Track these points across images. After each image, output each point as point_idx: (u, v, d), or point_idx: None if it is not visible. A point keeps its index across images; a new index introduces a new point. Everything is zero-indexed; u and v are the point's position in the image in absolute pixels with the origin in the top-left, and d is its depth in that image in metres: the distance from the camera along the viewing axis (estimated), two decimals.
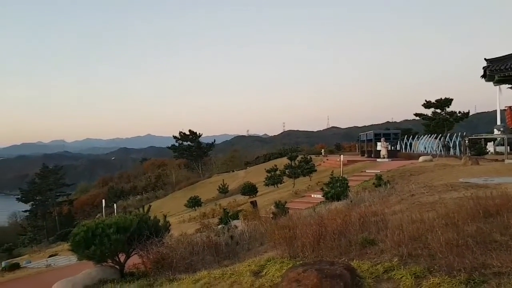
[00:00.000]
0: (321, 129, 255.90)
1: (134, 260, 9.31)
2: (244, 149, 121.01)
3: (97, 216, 53.49)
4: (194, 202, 38.27)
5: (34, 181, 68.56)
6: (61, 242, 41.98)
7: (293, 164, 34.74)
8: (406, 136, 47.05)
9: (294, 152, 43.14)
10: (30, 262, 24.00)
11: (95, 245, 8.45)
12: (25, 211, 68.22)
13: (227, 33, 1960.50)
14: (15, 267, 21.31)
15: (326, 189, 16.88)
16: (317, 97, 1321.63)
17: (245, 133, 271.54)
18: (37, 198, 64.89)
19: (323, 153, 57.28)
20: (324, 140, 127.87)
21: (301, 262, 5.44)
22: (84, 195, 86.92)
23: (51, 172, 67.99)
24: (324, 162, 43.57)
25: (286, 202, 19.01)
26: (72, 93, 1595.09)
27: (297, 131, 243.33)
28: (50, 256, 24.79)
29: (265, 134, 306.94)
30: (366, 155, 40.29)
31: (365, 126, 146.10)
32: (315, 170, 34.71)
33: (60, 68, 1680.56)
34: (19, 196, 68.85)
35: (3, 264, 23.84)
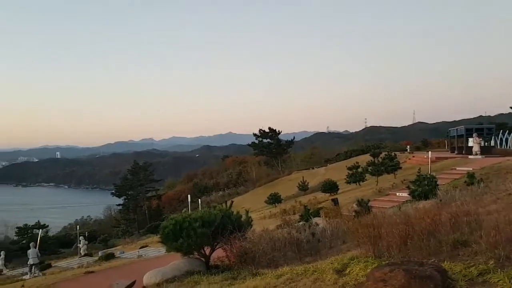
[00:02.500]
0: (406, 125, 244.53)
1: (219, 253, 9.63)
2: (324, 146, 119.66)
3: (183, 211, 56.10)
4: (274, 199, 38.59)
5: (126, 177, 73.21)
6: (150, 235, 44.47)
7: (376, 161, 33.65)
8: (501, 131, 43.40)
9: (377, 148, 41.77)
10: (124, 253, 25.74)
11: (182, 238, 8.88)
12: (119, 205, 73.20)
13: (316, 28, 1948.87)
14: (110, 257, 22.98)
15: (413, 187, 16.18)
16: (401, 91, 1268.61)
17: (325, 130, 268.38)
18: (129, 192, 69.32)
19: (408, 150, 54.75)
20: (410, 136, 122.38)
21: (387, 261, 5.26)
22: (171, 190, 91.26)
23: (141, 168, 72.20)
24: (409, 159, 41.71)
25: (369, 200, 18.49)
26: (159, 93, 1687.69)
27: (380, 126, 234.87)
28: (141, 248, 26.39)
29: (346, 130, 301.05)
30: (456, 151, 37.84)
31: (455, 121, 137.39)
32: (400, 168, 33.33)
33: (147, 70, 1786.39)
34: (113, 191, 74.06)
35: (100, 253, 25.86)
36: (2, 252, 32.58)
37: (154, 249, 24.37)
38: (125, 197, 69.82)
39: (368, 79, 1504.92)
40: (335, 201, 19.92)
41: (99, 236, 51.97)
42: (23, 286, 13.12)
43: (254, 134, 76.96)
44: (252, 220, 10.22)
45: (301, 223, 14.11)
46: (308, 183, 44.82)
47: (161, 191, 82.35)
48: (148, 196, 71.71)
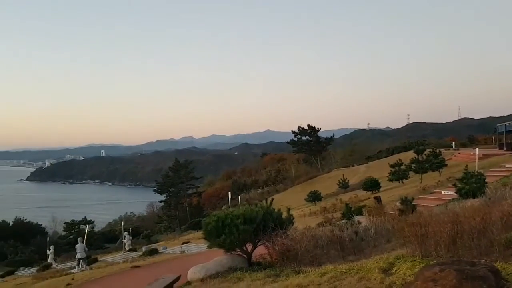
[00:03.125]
0: (451, 121, 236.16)
1: (260, 251, 9.66)
2: (365, 143, 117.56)
3: (222, 208, 56.73)
4: (314, 197, 38.33)
5: (168, 174, 74.80)
6: (191, 231, 45.27)
7: (420, 158, 32.73)
8: None
9: (421, 145, 40.64)
10: (166, 248, 26.32)
11: (225, 234, 8.97)
12: (161, 201, 74.96)
13: (359, 23, 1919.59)
14: (154, 252, 23.56)
15: (460, 185, 15.64)
16: (446, 86, 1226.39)
17: (365, 126, 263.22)
18: (171, 190, 70.81)
19: (453, 147, 52.95)
20: (454, 133, 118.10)
21: (435, 261, 5.11)
22: (211, 187, 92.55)
23: (182, 166, 73.58)
24: (455, 156, 40.36)
25: (413, 199, 18.03)
26: (198, 92, 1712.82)
27: (423, 123, 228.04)
28: (183, 244, 26.90)
29: (387, 127, 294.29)
30: (505, 148, 36.22)
31: (503, 116, 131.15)
32: (445, 165, 32.31)
33: (187, 69, 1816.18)
34: (155, 188, 75.90)
35: (143, 249, 26.56)
36: (52, 247, 34.05)
37: (196, 245, 24.77)
38: (166, 194, 71.35)
39: (411, 74, 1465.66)
40: (378, 199, 19.53)
41: (142, 232, 53.38)
42: (73, 279, 13.67)
43: (293, 132, 76.69)
44: (293, 218, 10.19)
45: (343, 221, 13.94)
46: (348, 180, 44.26)
47: (201, 188, 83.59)
48: (189, 193, 72.97)
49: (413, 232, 6.63)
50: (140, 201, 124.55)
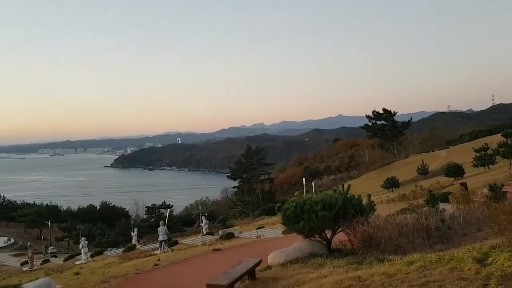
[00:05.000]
0: None
1: (340, 237, 9.48)
2: (445, 127, 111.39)
3: (295, 194, 56.77)
4: (391, 183, 37.01)
5: (240, 160, 76.16)
6: (265, 216, 45.83)
7: (509, 142, 30.31)
8: None
9: (509, 128, 37.63)
10: (242, 233, 26.79)
11: (304, 220, 8.90)
12: (234, 187, 76.70)
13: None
14: (230, 236, 24.06)
15: None
16: None
17: (445, 109, 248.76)
18: (243, 176, 72.11)
19: None
20: None
21: None
22: (282, 174, 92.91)
23: (254, 152, 74.52)
24: None
25: (502, 185, 16.70)
26: (269, 79, 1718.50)
27: (510, 104, 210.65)
28: (258, 228, 27.23)
29: (470, 109, 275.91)
30: None
31: None
32: None
33: (258, 57, 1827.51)
34: (228, 174, 77.72)
35: (220, 232, 27.26)
36: (135, 229, 36.05)
37: (270, 230, 24.96)
38: (239, 180, 72.75)
39: (496, 52, 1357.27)
40: (464, 186, 18.33)
41: (218, 216, 55.03)
42: (159, 260, 14.39)
43: (367, 116, 74.40)
44: (375, 205, 9.86)
45: (425, 208, 13.27)
46: (428, 166, 42.21)
47: (272, 174, 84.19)
48: (261, 179, 73.80)
49: (510, 221, 6.14)
50: (214, 187, 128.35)
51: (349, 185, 11.79)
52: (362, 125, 77.90)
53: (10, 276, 27.59)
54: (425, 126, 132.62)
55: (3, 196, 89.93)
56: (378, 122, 74.16)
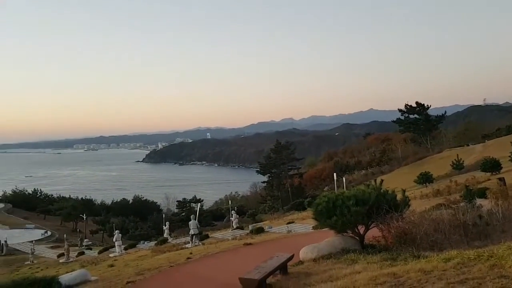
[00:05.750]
0: None
1: (373, 233, 9.33)
2: (480, 120, 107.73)
3: (325, 189, 56.34)
4: (425, 178, 36.13)
5: (270, 155, 76.20)
6: (295, 211, 45.67)
7: None
8: None
9: None
10: (272, 227, 26.81)
11: (336, 216, 8.79)
12: (263, 182, 76.83)
13: None
14: (260, 230, 24.10)
15: None
16: None
17: (481, 102, 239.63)
18: (273, 171, 72.12)
19: None
20: None
21: None
22: (312, 169, 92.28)
23: (283, 147, 74.33)
24: None
25: None
26: (298, 74, 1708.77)
27: None
28: (288, 223, 27.20)
29: (507, 103, 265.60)
30: None
31: None
32: None
33: (287, 51, 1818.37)
34: (257, 169, 77.89)
35: (250, 227, 27.37)
36: (167, 223, 36.64)
37: (300, 225, 24.89)
38: (269, 175, 72.77)
39: None
40: (502, 181, 17.68)
41: (247, 211, 55.24)
42: (191, 253, 14.57)
43: (400, 110, 72.89)
44: (409, 200, 9.64)
45: (462, 204, 12.90)
46: (463, 161, 41.00)
47: (302, 169, 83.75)
48: (290, 174, 73.59)
49: None
50: (243, 182, 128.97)
51: (382, 180, 11.60)
52: (394, 119, 76.41)
53: (47, 268, 28.60)
54: (459, 119, 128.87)
55: (40, 190, 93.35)
56: (411, 116, 72.53)
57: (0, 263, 37.82)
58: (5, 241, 44.65)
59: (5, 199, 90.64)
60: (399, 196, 9.78)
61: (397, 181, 45.06)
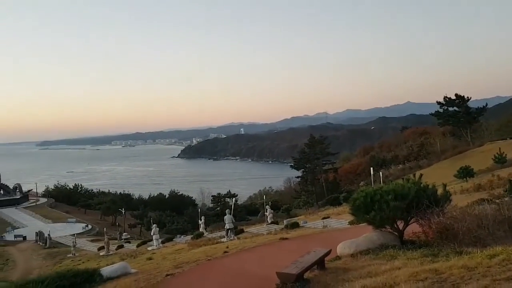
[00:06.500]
0: None
1: (413, 228, 9.14)
2: None
3: (360, 184, 55.52)
4: (465, 173, 35.01)
5: (304, 150, 75.80)
6: (329, 206, 45.29)
7: None
8: None
9: None
10: (307, 222, 26.72)
11: (374, 211, 8.65)
12: (297, 177, 76.52)
13: None
14: (295, 225, 24.05)
15: None
16: None
17: None
18: (307, 165, 71.66)
19: None
20: None
21: None
22: (347, 163, 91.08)
23: (318, 142, 73.71)
24: None
25: None
26: (332, 67, 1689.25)
27: None
28: (323, 218, 27.02)
29: None
30: None
31: None
32: None
33: (319, 44, 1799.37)
34: (291, 164, 77.65)
35: (285, 222, 27.38)
36: (203, 217, 37.17)
37: (336, 220, 24.69)
38: (303, 169, 72.38)
39: None
40: None
41: (281, 206, 55.24)
42: (227, 247, 14.73)
43: (438, 102, 70.67)
44: (450, 195, 9.37)
45: (506, 199, 12.42)
46: (505, 154, 39.46)
47: (336, 164, 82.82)
48: (325, 169, 72.93)
49: None
50: (277, 177, 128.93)
51: (421, 175, 11.32)
52: (433, 112, 74.18)
53: (88, 260, 29.66)
54: (501, 111, 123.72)
55: (81, 185, 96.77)
56: (450, 109, 70.21)
57: (44, 256, 39.54)
58: (49, 235, 46.51)
59: (48, 194, 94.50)
60: (439, 191, 9.53)
61: (436, 175, 43.85)
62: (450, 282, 5.36)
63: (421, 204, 8.57)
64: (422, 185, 9.24)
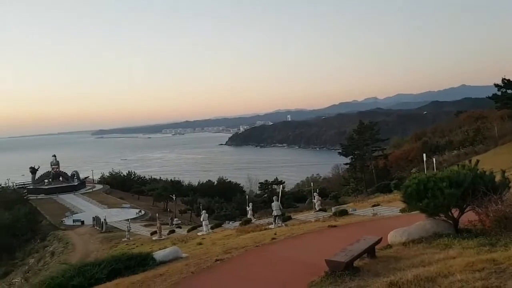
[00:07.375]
0: None
1: (469, 217, 8.78)
2: None
3: (412, 171, 53.82)
4: None
5: (352, 136, 74.26)
6: (379, 194, 44.34)
7: None
8: None
9: None
10: (356, 210, 26.35)
11: (427, 198, 8.37)
12: (346, 164, 75.30)
13: None
14: (344, 213, 23.81)
15: None
16: None
17: None
18: (356, 152, 70.24)
19: None
20: None
21: None
22: (398, 150, 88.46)
23: (367, 128, 71.94)
24: None
25: None
26: (382, 51, 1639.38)
27: None
28: (373, 206, 26.54)
29: None
30: None
31: None
32: None
33: (369, 30, 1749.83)
34: (340, 151, 76.47)
35: (333, 209, 27.13)
36: (250, 204, 37.56)
37: (386, 208, 24.21)
38: (352, 156, 71.11)
39: None
40: None
41: (329, 193, 54.73)
42: (275, 234, 14.81)
43: (496, 85, 66.81)
44: (510, 182, 8.88)
45: None
46: None
47: (387, 150, 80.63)
48: (374, 156, 71.28)
49: None
50: (325, 164, 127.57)
51: (478, 161, 10.78)
52: (490, 95, 70.38)
53: (142, 244, 30.85)
54: None
55: (134, 172, 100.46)
56: (509, 91, 66.35)
57: (100, 240, 41.51)
58: (105, 219, 48.67)
59: (104, 180, 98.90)
60: (497, 178, 9.06)
61: (493, 161, 41.67)
62: (509, 272, 5.12)
63: (478, 191, 8.22)
64: (478, 171, 8.84)
